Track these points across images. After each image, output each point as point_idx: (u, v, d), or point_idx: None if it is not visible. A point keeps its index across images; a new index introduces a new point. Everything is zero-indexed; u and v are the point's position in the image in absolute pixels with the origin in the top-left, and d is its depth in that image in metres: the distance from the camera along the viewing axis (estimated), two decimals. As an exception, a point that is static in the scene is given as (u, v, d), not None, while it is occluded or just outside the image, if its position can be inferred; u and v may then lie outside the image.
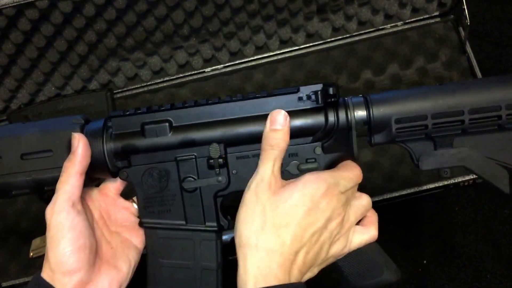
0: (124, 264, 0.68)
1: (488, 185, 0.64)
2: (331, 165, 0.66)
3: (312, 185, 0.60)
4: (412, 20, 1.18)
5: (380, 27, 1.19)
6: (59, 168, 0.64)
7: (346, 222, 0.63)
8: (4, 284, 1.06)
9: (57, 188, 0.62)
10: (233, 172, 0.67)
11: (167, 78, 1.21)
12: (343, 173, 0.63)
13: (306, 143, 0.66)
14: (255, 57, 1.20)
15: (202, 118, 0.66)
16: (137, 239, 0.71)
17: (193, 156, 0.66)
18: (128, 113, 0.67)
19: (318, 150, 0.65)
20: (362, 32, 1.19)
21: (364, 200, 0.66)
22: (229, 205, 0.69)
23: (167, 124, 0.66)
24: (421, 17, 1.18)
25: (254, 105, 0.65)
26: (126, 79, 1.20)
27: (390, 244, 1.09)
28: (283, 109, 0.63)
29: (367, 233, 0.66)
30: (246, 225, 0.60)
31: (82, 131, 0.66)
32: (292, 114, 0.64)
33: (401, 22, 1.18)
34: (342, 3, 1.13)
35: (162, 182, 0.67)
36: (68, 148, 0.65)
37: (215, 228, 0.67)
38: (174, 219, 0.67)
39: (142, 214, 0.68)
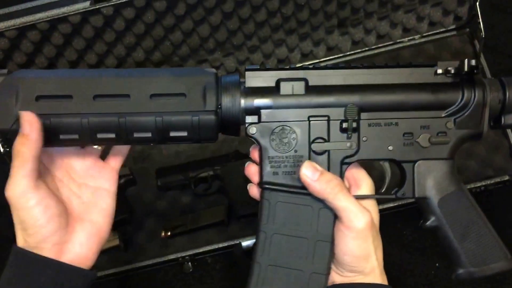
0: (99, 215, 0.67)
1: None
2: (460, 141, 0.66)
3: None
4: (429, 33, 1.22)
5: (398, 40, 1.23)
6: (190, 113, 0.62)
7: None
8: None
9: (12, 173, 0.59)
10: (363, 139, 0.65)
11: (192, 90, 1.24)
12: None
13: (439, 117, 0.65)
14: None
15: (338, 80, 0.65)
16: (107, 182, 0.69)
17: (327, 117, 0.65)
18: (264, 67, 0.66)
19: (451, 125, 0.65)
20: (381, 45, 1.23)
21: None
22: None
23: (303, 82, 0.64)
24: (438, 31, 1.22)
25: (391, 74, 0.65)
26: (153, 91, 1.23)
27: (405, 248, 1.14)
28: (418, 81, 0.64)
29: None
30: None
31: (216, 82, 0.63)
32: (428, 86, 0.64)
33: (419, 36, 1.22)
34: (362, 17, 1.16)
35: (290, 142, 0.65)
36: (203, 95, 0.62)
37: None
38: (298, 182, 0.64)
39: (265, 174, 0.65)
